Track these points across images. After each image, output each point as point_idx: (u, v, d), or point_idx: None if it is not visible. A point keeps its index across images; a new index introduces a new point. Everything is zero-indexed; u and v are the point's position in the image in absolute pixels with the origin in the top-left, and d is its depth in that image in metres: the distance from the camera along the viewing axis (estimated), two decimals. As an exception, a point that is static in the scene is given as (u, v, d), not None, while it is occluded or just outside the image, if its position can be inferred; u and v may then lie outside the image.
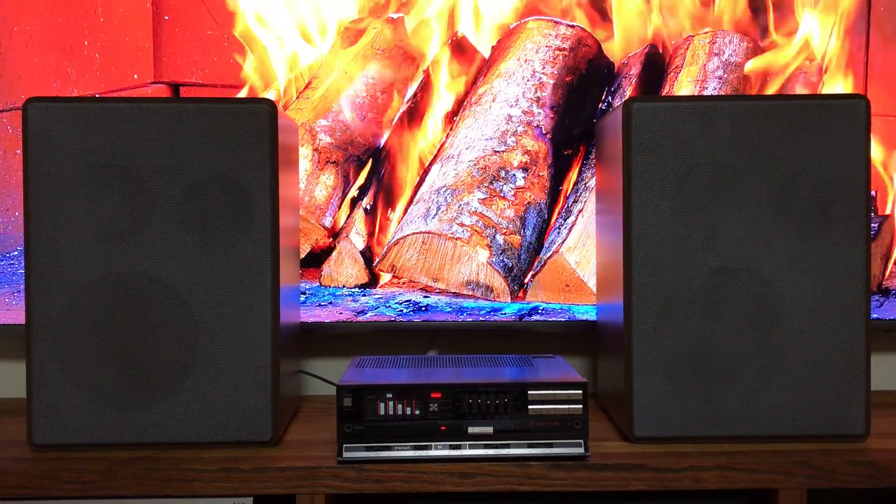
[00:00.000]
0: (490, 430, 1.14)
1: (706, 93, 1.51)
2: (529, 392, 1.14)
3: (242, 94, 1.51)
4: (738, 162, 1.19)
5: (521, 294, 1.51)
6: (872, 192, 1.50)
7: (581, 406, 1.14)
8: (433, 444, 1.14)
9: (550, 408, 1.14)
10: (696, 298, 1.20)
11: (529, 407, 1.14)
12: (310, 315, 1.50)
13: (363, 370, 1.26)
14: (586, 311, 1.50)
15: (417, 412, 1.14)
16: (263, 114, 1.18)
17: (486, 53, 1.55)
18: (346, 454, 1.13)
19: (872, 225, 1.48)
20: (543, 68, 1.53)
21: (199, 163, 1.18)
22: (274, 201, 1.19)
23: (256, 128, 1.18)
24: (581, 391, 1.15)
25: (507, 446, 1.14)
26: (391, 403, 1.14)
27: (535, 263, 1.51)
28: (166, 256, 1.18)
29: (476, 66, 1.55)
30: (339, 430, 1.13)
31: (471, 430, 1.14)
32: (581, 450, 1.14)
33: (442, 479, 1.12)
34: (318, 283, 1.52)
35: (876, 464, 1.13)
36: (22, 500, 1.12)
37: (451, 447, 1.14)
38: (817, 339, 1.20)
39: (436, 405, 1.14)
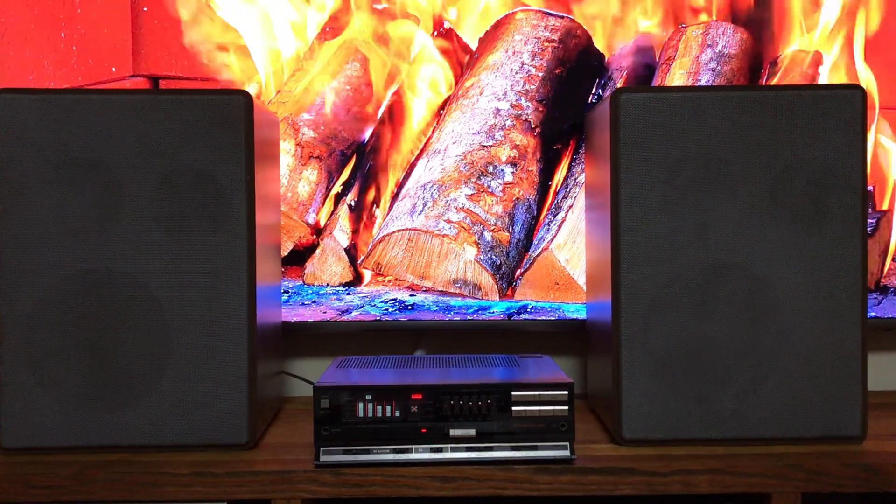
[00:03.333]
0: (472, 432, 1.10)
1: (699, 84, 1.47)
2: (513, 393, 1.10)
3: (222, 87, 1.48)
4: (729, 154, 1.16)
5: (509, 292, 1.47)
6: (870, 187, 1.47)
7: (567, 407, 1.10)
8: (414, 447, 1.10)
9: (535, 409, 1.10)
10: (687, 295, 1.16)
11: (513, 408, 1.10)
12: (293, 314, 1.46)
13: (345, 370, 1.22)
14: (576, 310, 1.47)
15: (397, 414, 1.10)
16: (239, 105, 1.15)
17: (474, 45, 1.51)
18: (323, 458, 1.09)
19: (870, 220, 1.44)
20: (532, 60, 1.50)
21: (172, 156, 1.14)
22: (250, 196, 1.15)
23: (231, 120, 1.14)
24: (566, 392, 1.11)
25: (491, 449, 1.10)
26: (370, 405, 1.10)
27: (524, 261, 1.47)
28: (138, 253, 1.14)
29: (462, 58, 1.51)
30: (315, 433, 1.10)
31: (453, 432, 1.10)
32: (567, 452, 1.10)
33: (423, 483, 1.08)
34: (301, 282, 1.48)
35: (872, 467, 1.09)
36: (-12, 506, 1.08)
37: (433, 450, 1.10)
38: (812, 337, 1.16)
39: (416, 407, 1.10)
